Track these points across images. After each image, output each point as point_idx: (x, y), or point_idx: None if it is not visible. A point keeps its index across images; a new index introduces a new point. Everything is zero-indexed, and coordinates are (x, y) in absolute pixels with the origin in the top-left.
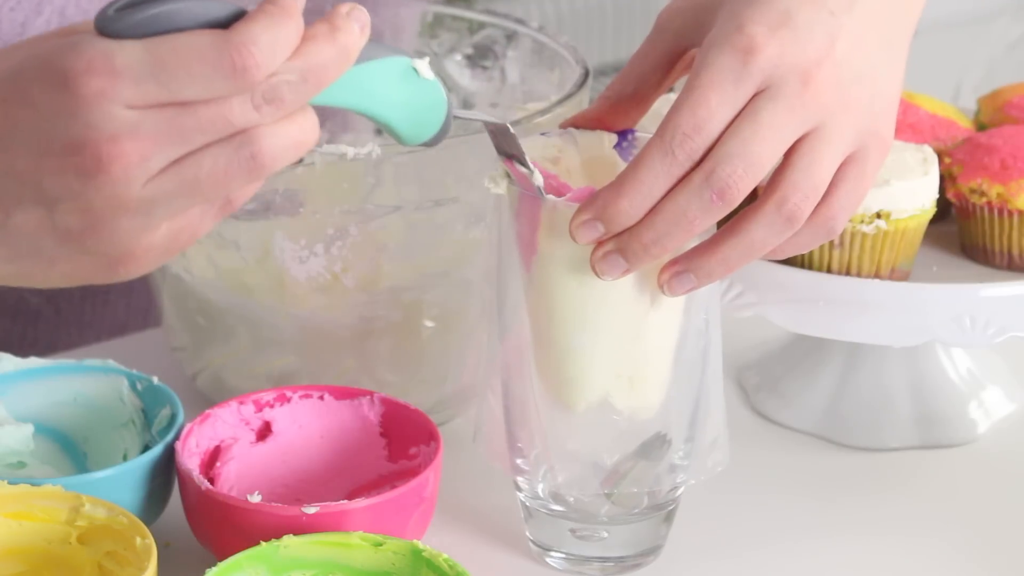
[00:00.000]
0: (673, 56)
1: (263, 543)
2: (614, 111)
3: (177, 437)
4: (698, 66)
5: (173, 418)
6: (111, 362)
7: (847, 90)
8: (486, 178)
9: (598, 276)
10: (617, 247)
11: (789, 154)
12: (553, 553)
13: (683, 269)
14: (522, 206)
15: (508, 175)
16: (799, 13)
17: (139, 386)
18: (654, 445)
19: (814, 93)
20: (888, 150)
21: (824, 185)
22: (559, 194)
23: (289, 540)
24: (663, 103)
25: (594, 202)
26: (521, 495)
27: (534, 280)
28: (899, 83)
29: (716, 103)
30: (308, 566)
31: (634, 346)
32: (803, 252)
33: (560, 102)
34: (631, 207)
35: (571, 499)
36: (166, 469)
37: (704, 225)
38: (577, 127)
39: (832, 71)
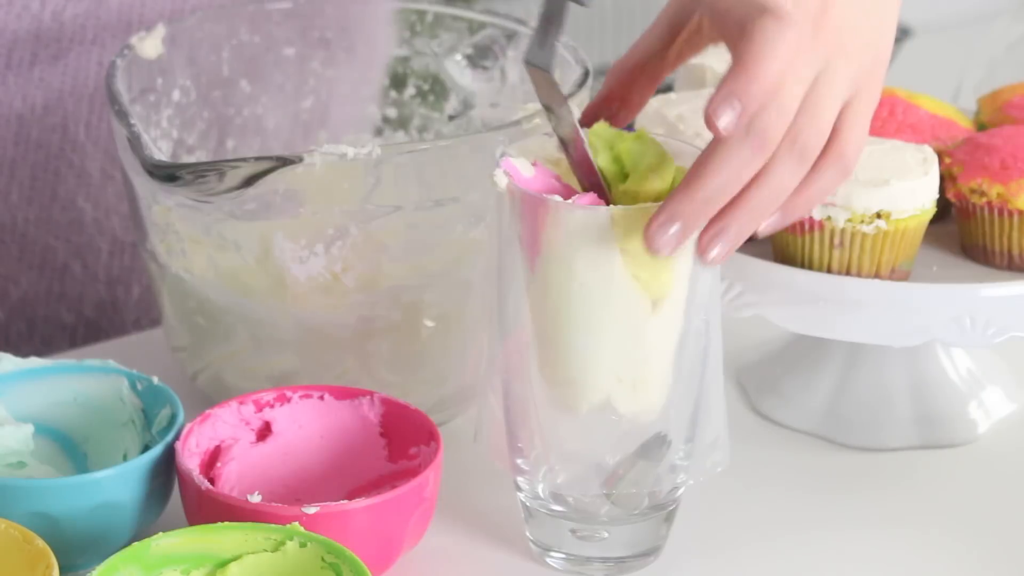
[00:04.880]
0: (675, 26)
1: (135, 543)
2: (622, 84)
3: (177, 437)
4: (743, 39)
5: (173, 418)
6: (111, 362)
7: (847, 37)
8: (491, 174)
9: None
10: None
11: None
12: (553, 553)
13: (718, 230)
14: (525, 207)
15: (508, 176)
16: None
17: (139, 386)
18: (654, 445)
19: (823, 39)
20: (873, 109)
21: (830, 124)
22: (564, 196)
23: (160, 538)
24: (663, 103)
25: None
26: (521, 495)
27: (537, 281)
28: (889, 45)
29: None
30: (179, 561)
31: (636, 348)
32: (825, 197)
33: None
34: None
35: (571, 499)
36: (166, 469)
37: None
38: (592, 115)
39: (835, 17)
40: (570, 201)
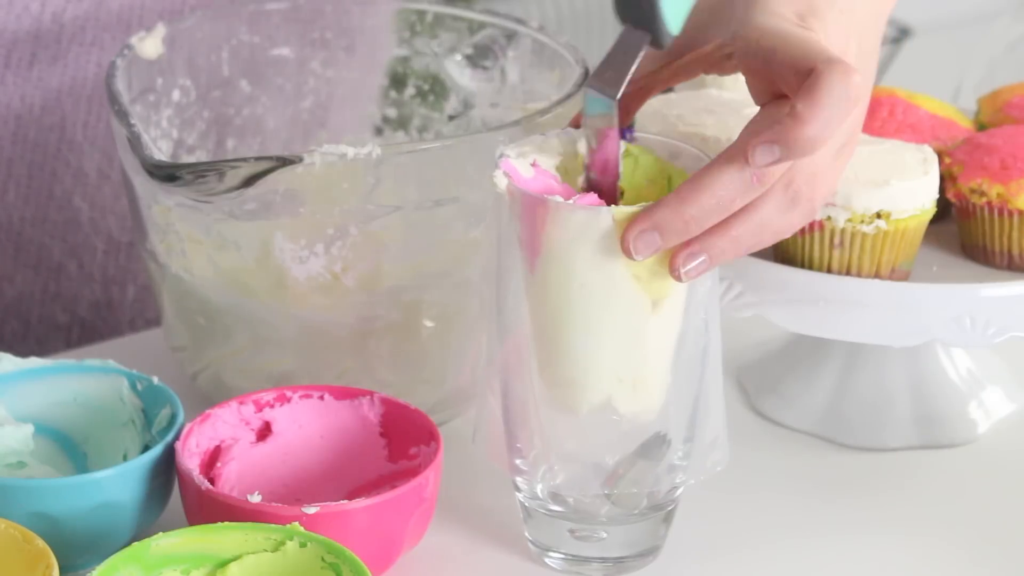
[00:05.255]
0: (675, 49)
1: (135, 543)
2: None
3: (177, 437)
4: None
5: (173, 418)
6: (111, 362)
7: None
8: (491, 175)
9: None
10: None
11: None
12: (552, 553)
13: (696, 250)
14: (525, 207)
15: (508, 176)
16: (821, 8)
17: (139, 386)
18: (653, 445)
19: None
20: (850, 158)
21: (822, 173)
22: (563, 196)
23: (160, 538)
24: (663, 103)
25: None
26: (520, 495)
27: (537, 282)
28: (871, 90)
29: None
30: (179, 561)
31: (636, 348)
32: (787, 235)
33: (560, 102)
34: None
35: (570, 499)
36: (166, 469)
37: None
38: (578, 124)
39: None
40: (571, 201)
